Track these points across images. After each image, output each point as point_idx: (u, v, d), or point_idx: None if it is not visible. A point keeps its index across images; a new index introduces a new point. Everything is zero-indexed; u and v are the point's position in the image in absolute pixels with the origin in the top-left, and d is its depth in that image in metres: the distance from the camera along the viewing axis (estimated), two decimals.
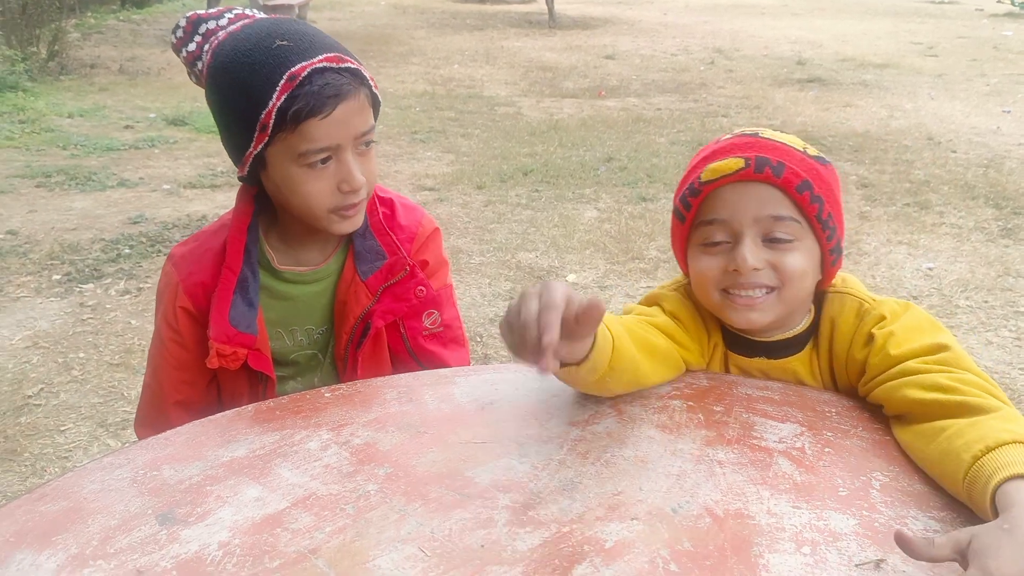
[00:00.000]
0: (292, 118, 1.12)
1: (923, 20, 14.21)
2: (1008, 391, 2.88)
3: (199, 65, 1.21)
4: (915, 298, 3.62)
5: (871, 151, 5.92)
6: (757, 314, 1.08)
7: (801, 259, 1.07)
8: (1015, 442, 0.84)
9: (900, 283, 3.76)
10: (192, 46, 1.21)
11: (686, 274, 1.19)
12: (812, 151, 1.10)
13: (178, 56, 1.24)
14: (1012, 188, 5.10)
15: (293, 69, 1.12)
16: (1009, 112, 7.25)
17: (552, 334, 0.80)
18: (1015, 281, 3.79)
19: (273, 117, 1.12)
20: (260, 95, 1.12)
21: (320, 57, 1.14)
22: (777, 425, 1.03)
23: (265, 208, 1.30)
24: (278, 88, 1.11)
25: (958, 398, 0.94)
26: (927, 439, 0.94)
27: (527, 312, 0.83)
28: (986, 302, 3.59)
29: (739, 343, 1.17)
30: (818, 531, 0.84)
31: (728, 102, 7.79)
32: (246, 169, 1.20)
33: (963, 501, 0.86)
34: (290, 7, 12.94)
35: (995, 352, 3.16)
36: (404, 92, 8.07)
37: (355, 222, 1.25)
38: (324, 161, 1.17)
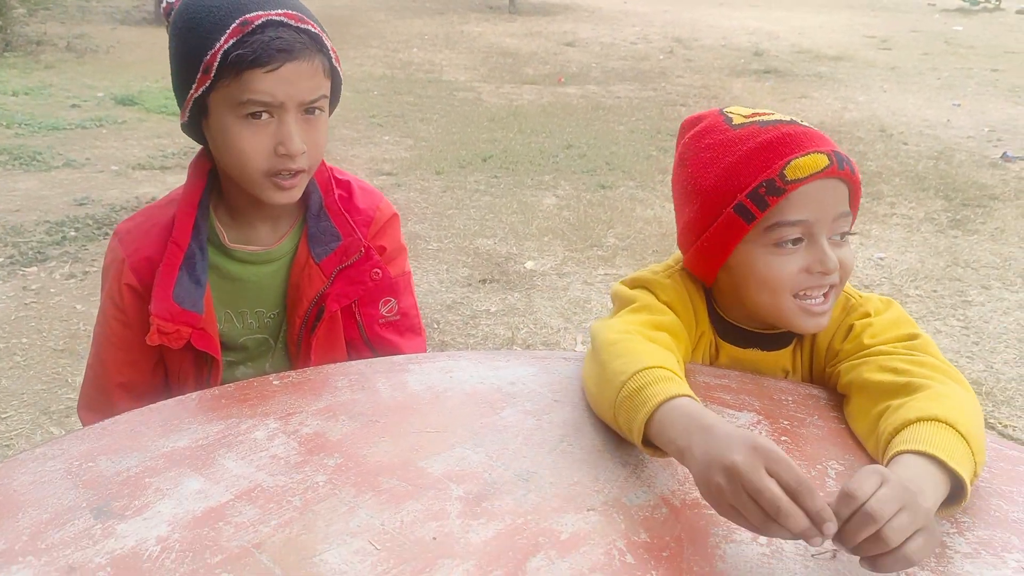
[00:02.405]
0: (234, 62, 1.08)
1: (877, 14, 14.42)
2: None
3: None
4: (867, 287, 3.67)
5: None
6: (826, 319, 1.06)
7: (852, 254, 1.07)
8: (918, 420, 0.86)
9: (852, 273, 3.81)
10: None
11: (710, 275, 1.12)
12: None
13: (158, 6, 1.23)
14: (961, 180, 5.20)
15: (248, 16, 1.08)
16: (959, 106, 7.39)
17: (831, 524, 0.70)
18: (963, 271, 3.87)
19: (218, 59, 1.08)
20: (208, 36, 1.09)
21: (280, 11, 1.10)
22: (734, 414, 1.02)
23: (217, 184, 1.25)
24: (228, 31, 1.08)
25: (904, 379, 0.95)
26: (870, 424, 0.95)
27: (768, 491, 0.71)
28: (935, 291, 3.66)
29: (732, 333, 1.15)
30: None
31: (687, 91, 7.83)
32: (187, 114, 1.17)
33: None
34: None
35: (943, 341, 3.22)
36: (363, 75, 7.95)
37: (292, 195, 1.19)
38: (260, 116, 1.12)
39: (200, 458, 0.91)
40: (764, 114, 1.08)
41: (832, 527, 0.70)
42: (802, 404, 1.06)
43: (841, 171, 1.01)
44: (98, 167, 4.95)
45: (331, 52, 1.17)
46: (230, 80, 1.09)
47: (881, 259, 3.98)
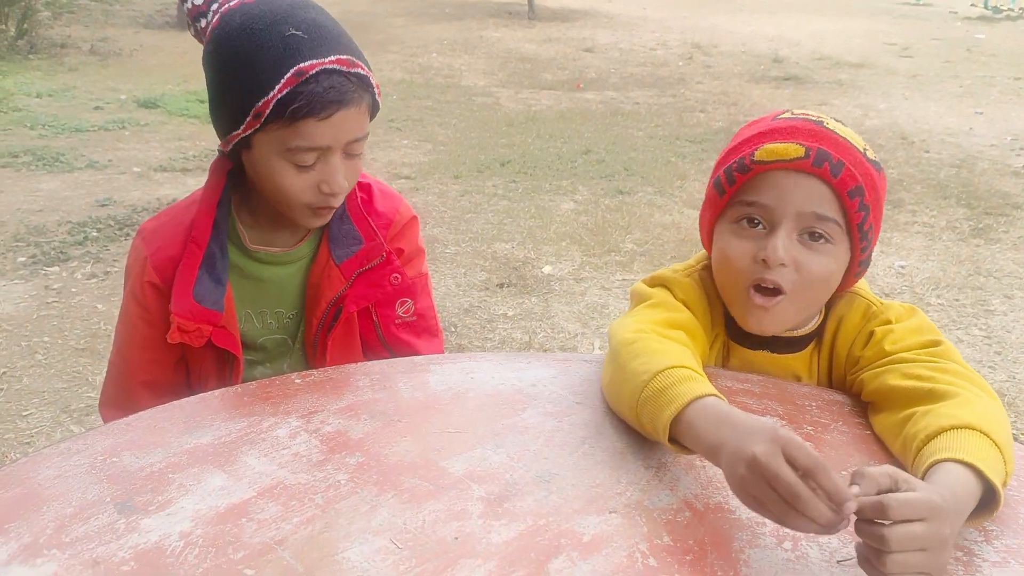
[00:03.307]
0: (291, 114, 1.08)
1: (897, 21, 14.34)
2: None
3: (203, 23, 1.16)
4: (887, 295, 3.64)
5: None
6: (770, 321, 1.04)
7: (828, 264, 1.02)
8: (952, 427, 0.85)
9: (872, 280, 3.78)
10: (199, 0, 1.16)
11: (707, 248, 1.14)
12: (871, 154, 1.05)
13: (181, 4, 1.19)
14: (983, 188, 5.15)
15: (302, 65, 1.07)
16: (981, 113, 7.33)
17: (850, 503, 0.71)
18: (985, 280, 3.83)
19: (270, 108, 1.08)
20: (262, 82, 1.07)
21: (332, 58, 1.09)
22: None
23: (239, 185, 1.26)
24: (283, 80, 1.07)
25: (928, 386, 0.94)
26: (895, 430, 0.94)
27: (784, 476, 0.72)
28: (957, 300, 3.63)
29: (743, 334, 1.13)
30: None
31: (706, 97, 7.80)
32: (229, 147, 1.16)
33: None
34: None
35: (965, 350, 3.19)
36: (382, 80, 7.87)
37: (325, 219, 1.23)
38: (313, 163, 1.13)
39: (223, 455, 0.91)
40: (812, 115, 1.05)
41: (852, 505, 0.70)
42: (826, 409, 1.05)
43: (817, 168, 0.98)
44: (120, 168, 4.99)
45: (375, 89, 1.17)
46: (281, 127, 1.09)
47: (902, 267, 3.95)
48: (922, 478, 0.81)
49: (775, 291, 1.02)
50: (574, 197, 4.81)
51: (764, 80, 8.72)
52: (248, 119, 1.10)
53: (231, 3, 1.15)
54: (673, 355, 0.93)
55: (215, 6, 1.15)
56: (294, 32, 1.09)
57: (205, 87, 1.19)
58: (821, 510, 0.71)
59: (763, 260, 1.00)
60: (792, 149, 0.99)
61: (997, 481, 0.79)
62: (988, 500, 0.80)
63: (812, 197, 1.00)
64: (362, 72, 1.13)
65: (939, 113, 7.34)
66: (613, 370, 0.99)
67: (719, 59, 9.99)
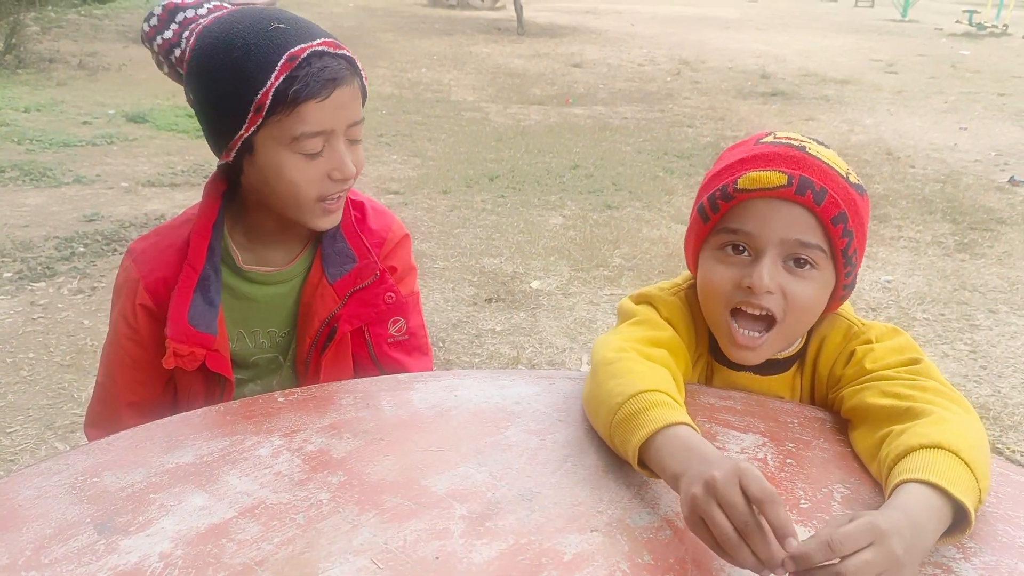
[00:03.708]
0: (292, 99, 1.09)
1: (883, 38, 14.49)
2: None
3: (176, 52, 1.16)
4: (873, 310, 3.66)
5: None
6: (753, 355, 1.05)
7: (814, 291, 1.02)
8: (920, 447, 0.85)
9: (858, 296, 3.80)
10: (168, 33, 1.16)
11: (692, 271, 1.14)
12: (854, 178, 1.05)
13: (148, 45, 1.18)
14: (968, 203, 5.20)
15: (293, 50, 1.09)
16: (966, 129, 7.41)
17: (797, 547, 0.72)
18: (970, 295, 3.86)
19: (270, 97, 1.08)
20: (256, 75, 1.08)
21: (319, 40, 1.12)
22: (739, 435, 1.02)
23: (233, 205, 1.26)
24: (277, 68, 1.08)
25: (905, 404, 0.95)
26: (872, 450, 0.95)
27: (737, 513, 0.73)
28: (942, 315, 3.65)
29: (726, 356, 1.13)
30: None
31: (693, 112, 7.86)
32: (232, 154, 1.15)
33: None
34: (254, 5, 12.80)
35: (951, 365, 3.21)
36: (371, 95, 7.90)
37: (335, 217, 1.22)
38: (322, 149, 1.14)
39: (204, 474, 0.91)
40: (794, 139, 1.05)
41: (793, 543, 0.72)
42: (808, 427, 1.06)
43: (800, 196, 0.98)
44: (108, 183, 4.98)
45: (363, 72, 1.19)
46: (283, 116, 1.10)
47: (888, 282, 3.98)
48: (887, 498, 0.82)
49: (765, 319, 1.03)
50: (562, 212, 4.82)
51: (751, 96, 8.79)
52: (250, 115, 1.10)
53: (201, 23, 1.15)
54: (649, 378, 0.94)
55: (186, 33, 1.15)
56: (277, 25, 1.11)
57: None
58: (764, 545, 0.73)
59: (748, 287, 1.01)
60: (775, 177, 0.99)
61: (964, 498, 0.80)
62: (962, 518, 0.81)
63: (796, 225, 1.00)
64: (348, 53, 1.15)
65: (924, 128, 7.41)
66: (592, 388, 1.00)
67: (707, 75, 10.06)
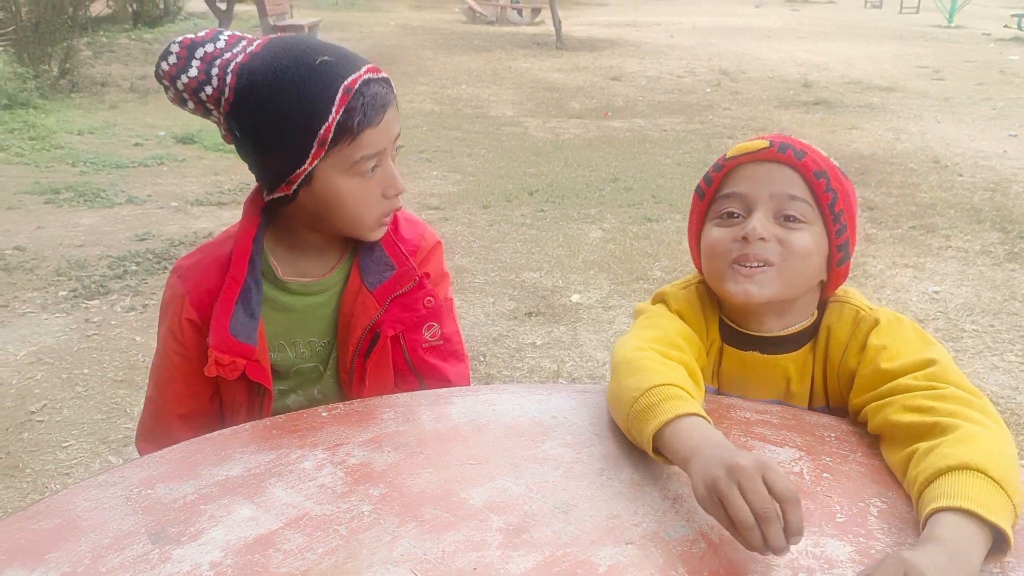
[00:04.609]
0: (357, 128, 1.14)
1: (929, 44, 14.25)
2: (1014, 416, 2.86)
3: (207, 90, 1.16)
4: (921, 321, 3.60)
5: (877, 173, 5.93)
6: (756, 287, 1.10)
7: (809, 239, 1.10)
8: (949, 469, 0.86)
9: (906, 306, 3.75)
10: (193, 71, 1.16)
11: (697, 264, 1.22)
12: (835, 162, 1.16)
13: (167, 83, 1.17)
14: (1018, 212, 5.09)
15: (346, 82, 1.14)
16: (1015, 136, 7.26)
17: (800, 526, 0.78)
18: (1021, 305, 3.78)
19: (332, 131, 1.14)
20: (317, 110, 1.13)
21: (364, 68, 1.17)
22: (775, 449, 1.02)
23: (272, 220, 1.30)
24: (336, 102, 1.13)
25: (932, 419, 0.95)
26: (901, 467, 0.95)
27: (760, 500, 0.78)
28: (992, 326, 3.58)
29: (735, 336, 1.19)
30: (814, 558, 0.83)
31: (734, 123, 7.82)
32: (293, 187, 1.19)
33: None
34: (300, 27, 13.07)
35: (1001, 377, 3.15)
36: (411, 111, 8.11)
37: (385, 228, 1.29)
38: (373, 168, 1.20)
39: (252, 486, 0.94)
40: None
41: (798, 540, 0.78)
42: (844, 441, 1.06)
43: (782, 154, 1.10)
44: (158, 203, 5.12)
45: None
46: (343, 145, 1.15)
47: (936, 293, 3.91)
48: (923, 527, 0.83)
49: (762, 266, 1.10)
50: (602, 225, 4.83)
51: (793, 105, 8.71)
52: (314, 150, 1.15)
53: (234, 61, 1.16)
54: (664, 374, 1.00)
55: (214, 71, 1.16)
56: (323, 59, 1.15)
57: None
58: (780, 537, 0.78)
59: (743, 238, 1.09)
60: (758, 143, 1.13)
61: (1001, 521, 0.80)
62: (1000, 539, 0.81)
63: (782, 180, 1.10)
64: (386, 75, 1.21)
65: (972, 136, 7.28)
66: (612, 385, 1.07)
67: (747, 85, 10.00)
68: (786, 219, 1.10)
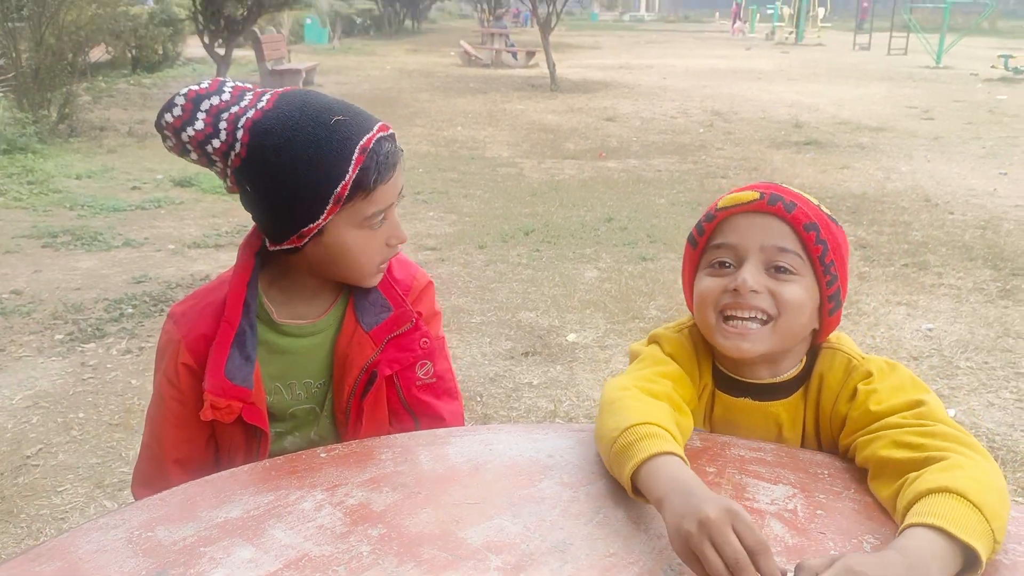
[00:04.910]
0: (372, 186, 1.19)
1: (917, 85, 14.48)
2: (1011, 454, 2.86)
3: (215, 143, 1.17)
4: (915, 359, 3.62)
5: (868, 212, 5.99)
6: (748, 344, 1.11)
7: (800, 292, 1.11)
8: (929, 492, 0.89)
9: (900, 344, 3.77)
10: (199, 124, 1.16)
11: (691, 308, 1.23)
12: (825, 209, 1.17)
13: (170, 135, 1.17)
14: (1010, 249, 5.14)
15: (362, 142, 1.18)
16: (1005, 174, 7.35)
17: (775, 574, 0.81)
18: (1015, 342, 3.80)
19: (348, 189, 1.17)
20: (333, 170, 1.16)
21: (376, 127, 1.21)
22: (769, 487, 1.03)
23: (267, 264, 1.32)
24: (352, 161, 1.16)
25: (923, 454, 0.97)
26: (891, 502, 0.97)
27: (732, 551, 0.81)
28: (986, 363, 3.59)
29: (727, 382, 1.20)
30: None
31: (727, 163, 7.90)
32: (304, 240, 1.22)
33: None
34: (298, 72, 13.24)
35: (996, 414, 3.15)
36: (408, 153, 8.13)
37: (383, 274, 1.33)
38: (381, 221, 1.24)
39: (251, 528, 0.95)
40: (770, 182, 1.19)
41: None
42: (838, 477, 1.07)
43: (772, 206, 1.11)
44: (156, 246, 5.15)
45: None
46: (357, 201, 1.19)
47: (930, 330, 3.93)
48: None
49: (758, 320, 1.11)
50: (598, 265, 4.87)
51: (785, 145, 8.82)
52: (328, 207, 1.18)
53: (244, 116, 1.17)
54: (643, 412, 1.02)
55: (222, 124, 1.16)
56: (338, 118, 1.18)
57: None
58: None
59: (734, 290, 1.10)
60: (748, 194, 1.14)
61: (972, 540, 0.82)
62: (973, 560, 0.83)
63: (772, 233, 1.11)
64: (393, 131, 1.25)
65: (962, 174, 7.36)
66: (597, 425, 1.09)
67: (739, 125, 10.13)
68: (777, 270, 1.11)
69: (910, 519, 0.86)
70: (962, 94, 13.06)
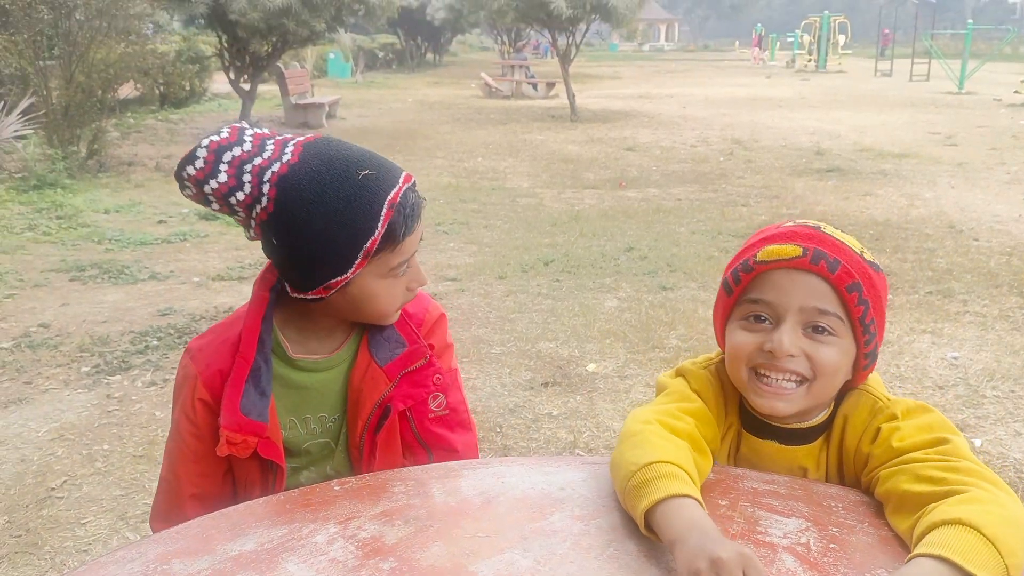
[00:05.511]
0: (401, 238, 1.22)
1: (940, 111, 14.42)
2: None
3: (239, 195, 1.17)
4: (940, 388, 3.58)
5: (892, 239, 5.95)
6: (783, 404, 1.10)
7: (836, 355, 1.08)
8: (943, 523, 0.88)
9: (925, 372, 3.72)
10: (223, 177, 1.15)
11: (721, 347, 1.21)
12: (868, 256, 1.12)
13: (192, 187, 1.17)
14: None
15: (390, 197, 1.20)
16: None
17: None
18: None
19: (377, 243, 1.20)
20: (363, 226, 1.18)
21: (400, 180, 1.23)
22: (782, 520, 1.03)
23: (282, 300, 1.34)
24: (381, 217, 1.19)
25: (944, 488, 0.96)
26: (911, 532, 0.96)
27: None
28: (1013, 391, 3.54)
29: (754, 424, 1.19)
30: None
31: (748, 192, 7.90)
32: (331, 292, 1.24)
33: None
34: (321, 105, 13.45)
35: None
36: (429, 185, 8.27)
37: (400, 314, 1.35)
38: (405, 269, 1.27)
39: (265, 561, 0.96)
40: (810, 222, 1.14)
41: None
42: (852, 511, 1.06)
43: (814, 265, 1.06)
44: (181, 279, 5.23)
45: None
46: (385, 254, 1.22)
47: (955, 359, 3.88)
48: None
49: (795, 381, 1.08)
50: (618, 295, 4.87)
51: (806, 173, 8.80)
52: (357, 262, 1.20)
53: (269, 170, 1.17)
54: (664, 450, 1.01)
55: (247, 177, 1.17)
56: (365, 172, 1.19)
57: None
58: None
59: (770, 351, 1.08)
60: (791, 249, 1.08)
61: (981, 572, 0.82)
62: None
63: (813, 293, 1.07)
64: (414, 179, 1.27)
65: (987, 201, 7.30)
66: (615, 455, 1.08)
67: (760, 154, 10.13)
68: (815, 330, 1.07)
69: (919, 549, 0.86)
70: (985, 120, 12.99)
